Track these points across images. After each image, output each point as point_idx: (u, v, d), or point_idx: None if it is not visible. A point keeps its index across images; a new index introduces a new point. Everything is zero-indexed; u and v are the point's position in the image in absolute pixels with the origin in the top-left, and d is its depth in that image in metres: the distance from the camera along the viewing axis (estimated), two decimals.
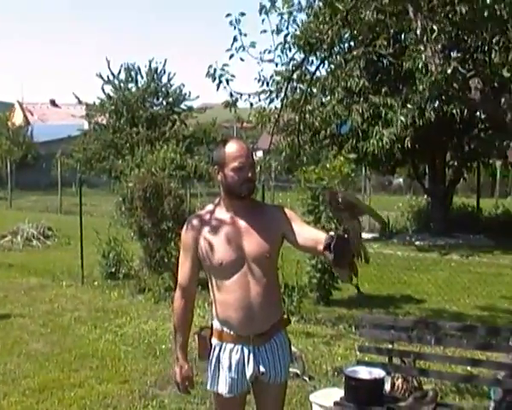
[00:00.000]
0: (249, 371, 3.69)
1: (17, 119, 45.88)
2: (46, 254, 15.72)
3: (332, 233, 3.41)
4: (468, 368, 5.85)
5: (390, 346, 5.25)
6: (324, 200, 3.48)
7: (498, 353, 5.61)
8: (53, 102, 53.45)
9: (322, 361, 7.43)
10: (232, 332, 3.68)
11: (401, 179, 33.37)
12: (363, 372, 4.82)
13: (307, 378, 6.81)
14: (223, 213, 3.72)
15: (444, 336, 5.62)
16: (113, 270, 12.21)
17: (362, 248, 3.45)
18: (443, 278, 12.41)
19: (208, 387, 3.83)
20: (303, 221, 3.89)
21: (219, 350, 3.73)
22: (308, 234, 3.63)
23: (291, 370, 6.66)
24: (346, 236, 3.36)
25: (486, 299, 10.84)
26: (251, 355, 3.69)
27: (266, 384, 3.77)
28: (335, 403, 4.75)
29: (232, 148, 3.65)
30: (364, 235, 18.83)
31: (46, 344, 8.13)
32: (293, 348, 6.75)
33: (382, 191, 31.33)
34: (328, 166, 9.95)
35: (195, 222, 3.75)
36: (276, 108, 8.61)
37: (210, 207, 3.83)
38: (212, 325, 3.80)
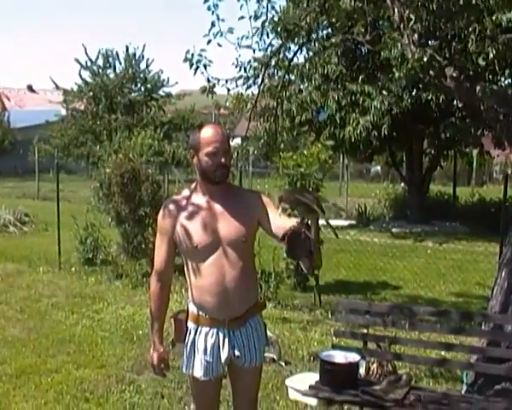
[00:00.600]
0: (224, 354, 3.71)
1: None
2: (23, 240, 15.62)
3: (294, 224, 3.42)
4: (442, 353, 5.92)
5: (365, 331, 5.31)
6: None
7: (471, 337, 5.69)
8: (30, 88, 52.84)
9: (298, 346, 7.49)
10: (207, 316, 3.71)
11: (379, 167, 33.48)
12: (339, 356, 4.87)
13: (283, 363, 6.86)
14: (199, 198, 3.74)
15: (418, 321, 5.69)
16: (91, 256, 12.17)
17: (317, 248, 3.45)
18: (419, 265, 12.50)
19: (184, 370, 3.87)
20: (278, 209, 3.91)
21: (195, 333, 3.75)
22: (279, 222, 3.62)
23: (267, 355, 6.75)
24: (303, 229, 3.36)
25: (461, 285, 10.94)
26: (226, 339, 3.71)
27: (241, 368, 3.79)
28: (310, 387, 4.79)
29: (207, 133, 3.66)
30: (341, 222, 19.05)
31: (23, 330, 8.10)
32: (269, 334, 6.83)
33: (360, 179, 31.42)
34: (305, 152, 9.98)
35: (171, 206, 3.77)
36: (253, 93, 8.62)
37: (186, 191, 3.84)
38: (187, 308, 3.82)
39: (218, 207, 3.69)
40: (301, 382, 5.52)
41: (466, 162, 27.97)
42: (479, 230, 16.90)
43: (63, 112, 35.88)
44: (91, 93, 33.20)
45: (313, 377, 4.98)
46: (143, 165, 11.93)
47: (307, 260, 3.47)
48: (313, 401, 5.70)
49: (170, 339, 3.96)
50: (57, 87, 34.80)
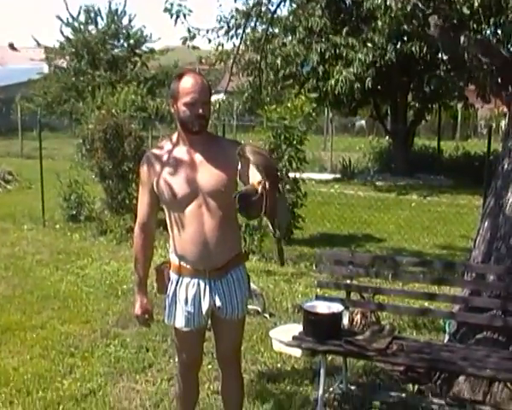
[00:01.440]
0: (205, 304, 3.73)
1: None
2: (7, 198, 15.51)
3: (254, 182, 3.33)
4: (426, 304, 5.96)
5: (348, 281, 5.32)
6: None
7: (454, 287, 5.73)
8: (11, 46, 52.01)
9: (282, 299, 7.53)
10: (189, 266, 3.71)
11: (363, 121, 33.41)
12: (322, 307, 4.87)
13: (268, 315, 6.89)
14: (179, 148, 3.72)
15: (401, 271, 5.70)
16: (75, 212, 12.13)
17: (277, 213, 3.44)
18: (403, 218, 12.57)
19: (166, 320, 3.89)
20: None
21: (176, 284, 3.77)
22: (250, 176, 3.55)
23: (252, 307, 6.80)
24: (258, 189, 3.27)
25: (445, 238, 11.01)
26: (207, 289, 3.72)
27: (223, 320, 3.81)
28: (294, 337, 4.80)
29: (186, 82, 3.62)
30: (326, 176, 19.09)
31: (8, 287, 8.08)
32: (253, 286, 6.87)
33: (345, 133, 31.36)
34: (289, 105, 9.93)
35: (152, 157, 3.77)
36: (234, 45, 8.54)
37: (167, 142, 3.83)
38: (169, 259, 3.83)
39: (197, 157, 3.68)
40: (285, 333, 5.54)
41: (450, 116, 28.04)
42: (463, 183, 16.99)
43: (45, 70, 35.46)
44: (73, 50, 32.78)
45: (297, 329, 4.99)
46: (126, 120, 11.83)
47: (270, 220, 3.46)
48: (297, 352, 5.75)
49: (154, 290, 3.98)
50: (39, 45, 34.26)
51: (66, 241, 10.70)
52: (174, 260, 3.78)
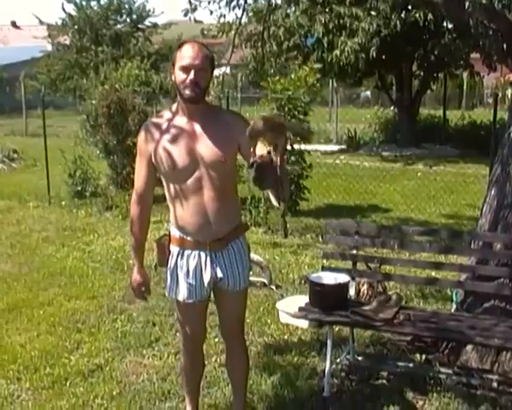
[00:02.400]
0: (207, 276, 3.72)
1: None
2: (12, 176, 15.53)
3: (264, 153, 3.29)
4: (433, 273, 5.93)
5: (355, 252, 5.29)
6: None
7: (461, 256, 5.69)
8: (14, 24, 51.86)
9: (288, 270, 7.51)
10: (189, 238, 3.70)
11: (368, 92, 33.31)
12: (328, 278, 4.84)
13: (274, 287, 6.88)
14: (179, 118, 3.68)
15: (408, 241, 5.68)
16: (80, 189, 12.10)
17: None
18: (409, 188, 12.52)
19: (167, 294, 3.91)
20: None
21: (177, 256, 3.76)
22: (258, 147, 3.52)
23: (258, 279, 6.80)
24: (273, 158, 3.23)
25: (452, 207, 10.96)
26: (208, 261, 3.71)
27: (225, 292, 3.81)
28: (300, 308, 4.78)
29: (185, 49, 3.58)
30: (331, 147, 19.07)
31: (14, 265, 8.07)
32: (260, 258, 6.88)
33: (350, 104, 31.25)
34: (293, 76, 9.87)
35: (151, 127, 3.73)
36: (237, 16, 8.46)
37: (166, 112, 3.80)
38: (169, 231, 3.82)
39: (197, 128, 3.63)
40: (292, 305, 5.53)
41: (456, 85, 27.86)
42: (469, 152, 16.93)
43: (49, 47, 35.41)
44: (76, 26, 32.68)
45: (303, 300, 4.98)
46: (130, 95, 11.79)
47: (275, 192, 3.39)
48: (304, 324, 5.74)
49: (154, 262, 3.98)
50: (41, 22, 34.18)
51: (71, 217, 10.70)
52: (174, 232, 3.77)
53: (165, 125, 3.69)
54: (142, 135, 3.74)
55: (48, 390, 4.83)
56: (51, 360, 5.33)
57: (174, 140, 3.63)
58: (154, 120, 3.83)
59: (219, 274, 3.73)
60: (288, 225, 8.97)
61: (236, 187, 3.84)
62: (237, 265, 3.77)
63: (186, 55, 3.55)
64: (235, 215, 3.84)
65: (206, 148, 3.61)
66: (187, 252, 3.73)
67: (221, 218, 3.67)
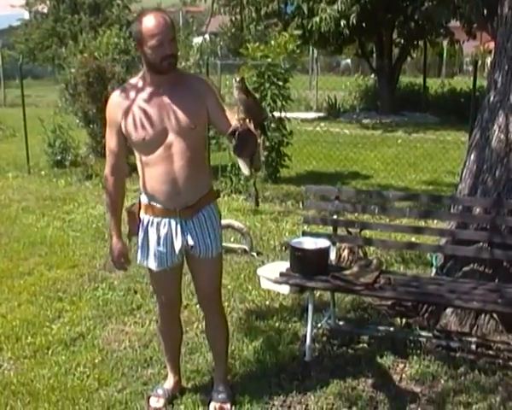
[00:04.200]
0: (178, 244, 3.73)
1: None
2: None
3: (240, 121, 3.39)
4: (413, 239, 5.96)
5: (335, 217, 5.30)
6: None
7: (440, 221, 5.73)
8: None
9: (269, 237, 7.53)
10: (159, 205, 3.70)
11: (349, 60, 33.25)
12: (309, 243, 4.85)
13: (255, 254, 6.90)
14: (146, 88, 3.63)
15: (388, 206, 5.70)
16: (60, 158, 12.03)
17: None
18: (389, 155, 12.56)
19: (138, 261, 3.91)
20: (219, 99, 3.80)
21: (147, 224, 3.77)
22: (223, 115, 3.62)
23: (238, 246, 6.81)
24: (252, 127, 3.35)
25: (431, 174, 11.03)
26: (178, 228, 3.72)
27: (198, 259, 3.82)
28: (281, 274, 4.80)
29: (149, 24, 3.48)
30: (311, 114, 19.06)
31: None
32: (240, 225, 6.89)
33: (331, 72, 31.18)
34: (272, 43, 9.82)
35: (119, 97, 3.67)
36: None
37: (133, 81, 3.73)
38: (140, 199, 3.82)
39: (165, 97, 3.60)
40: (273, 271, 5.55)
41: (436, 53, 27.86)
42: (449, 120, 17.02)
43: (26, 16, 35.03)
44: None
45: (284, 266, 4.99)
46: (109, 63, 11.67)
47: (249, 161, 3.47)
48: (285, 289, 5.76)
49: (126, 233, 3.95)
50: None
51: (51, 187, 10.63)
52: (144, 200, 3.78)
53: (132, 96, 3.63)
54: (109, 105, 3.69)
55: (30, 359, 4.83)
56: (33, 329, 5.32)
57: (142, 110, 3.59)
58: (121, 92, 3.71)
59: (190, 242, 3.73)
60: (259, 194, 8.92)
61: (205, 154, 3.82)
62: (208, 232, 3.77)
63: (155, 30, 3.46)
64: (205, 182, 3.82)
65: (175, 116, 3.59)
66: (156, 219, 3.73)
67: (191, 185, 3.66)
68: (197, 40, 14.71)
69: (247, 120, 3.41)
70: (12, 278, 6.52)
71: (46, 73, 32.83)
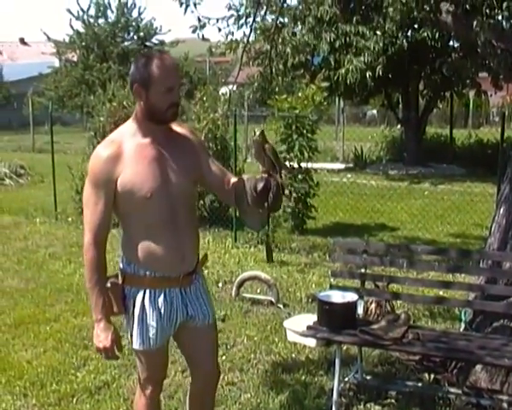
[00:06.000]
0: (179, 315, 3.37)
1: None
2: (19, 192, 15.57)
3: (257, 176, 3.20)
4: (441, 293, 5.90)
5: (363, 270, 5.27)
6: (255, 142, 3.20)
7: (469, 275, 5.66)
8: (22, 41, 52.24)
9: (296, 289, 7.49)
10: (157, 275, 3.30)
11: (375, 111, 33.35)
12: (336, 296, 4.83)
13: (281, 306, 6.86)
14: (142, 139, 3.25)
15: (416, 260, 5.66)
16: None
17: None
18: (416, 207, 12.51)
19: (135, 346, 3.38)
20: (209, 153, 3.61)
21: (142, 299, 3.31)
22: (217, 169, 3.43)
23: (265, 298, 6.78)
24: (279, 178, 3.22)
25: (459, 226, 10.95)
26: (179, 298, 3.35)
27: (195, 327, 3.44)
28: (308, 327, 4.76)
29: (160, 67, 3.15)
30: (338, 166, 19.10)
31: (21, 281, 8.07)
32: (267, 277, 6.85)
33: (357, 123, 31.28)
34: (300, 94, 9.90)
35: (109, 151, 3.21)
36: (245, 34, 8.51)
37: (122, 131, 3.30)
38: (122, 272, 3.38)
39: (164, 151, 3.26)
40: (299, 324, 5.51)
41: (463, 104, 27.91)
42: (476, 171, 16.92)
43: (56, 64, 35.66)
44: (83, 43, 32.92)
45: (311, 319, 4.95)
46: None
47: (264, 214, 3.31)
48: (312, 342, 5.71)
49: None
50: (49, 39, 34.46)
51: (78, 234, 10.67)
52: (132, 271, 3.33)
53: (127, 149, 3.22)
54: (98, 163, 3.22)
55: (54, 407, 4.82)
56: (58, 376, 5.32)
57: (143, 165, 3.21)
58: (109, 144, 3.25)
59: (190, 311, 3.40)
60: (272, 248, 8.89)
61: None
62: (203, 298, 3.46)
63: (166, 75, 3.16)
64: (199, 245, 3.51)
65: (176, 174, 3.27)
66: (153, 292, 3.30)
67: (192, 249, 3.39)
68: (223, 90, 14.85)
69: (274, 172, 3.26)
70: (38, 324, 6.55)
71: (74, 120, 33.31)
